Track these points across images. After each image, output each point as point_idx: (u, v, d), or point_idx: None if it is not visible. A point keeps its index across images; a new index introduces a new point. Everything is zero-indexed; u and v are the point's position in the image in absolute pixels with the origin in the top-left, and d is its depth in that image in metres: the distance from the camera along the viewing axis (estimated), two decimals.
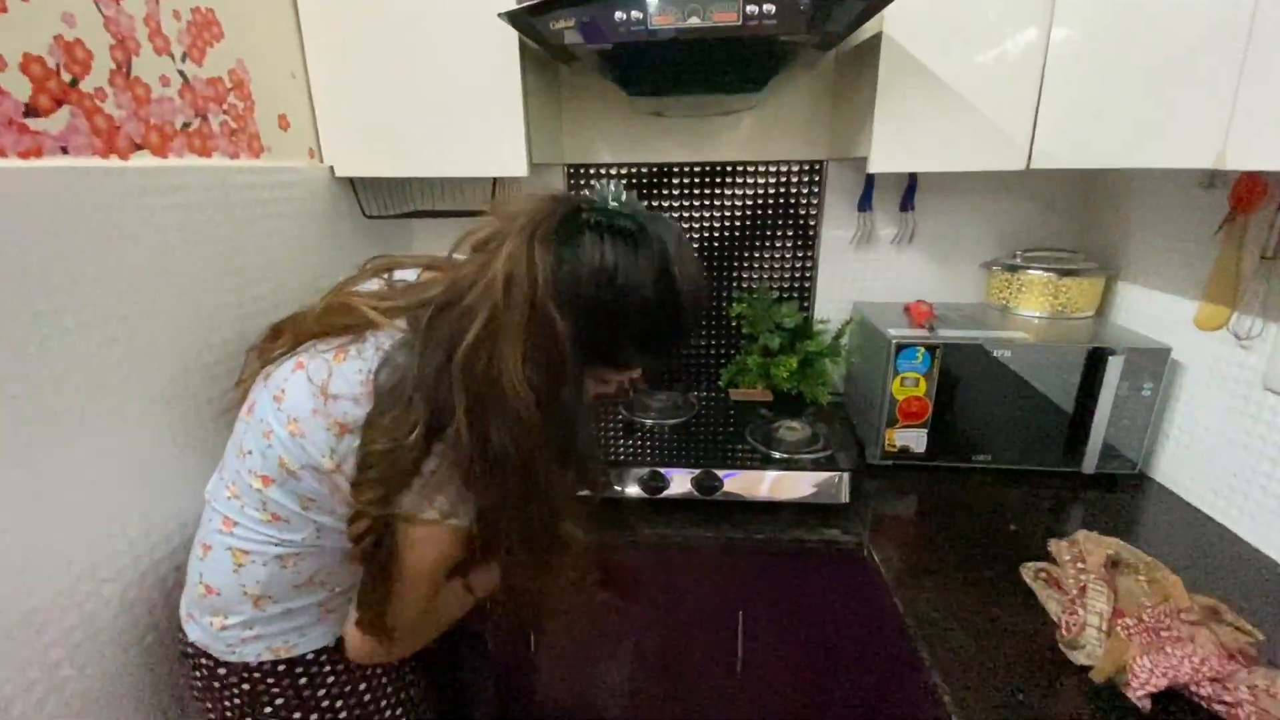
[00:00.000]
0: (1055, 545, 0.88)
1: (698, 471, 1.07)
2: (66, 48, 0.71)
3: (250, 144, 1.01)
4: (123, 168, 0.77)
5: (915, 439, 1.19)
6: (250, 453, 0.69)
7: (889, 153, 1.09)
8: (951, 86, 1.05)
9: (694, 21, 0.92)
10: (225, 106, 0.96)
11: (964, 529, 1.02)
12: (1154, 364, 1.08)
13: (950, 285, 1.45)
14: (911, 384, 1.15)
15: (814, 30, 0.94)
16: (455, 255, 0.70)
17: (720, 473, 1.07)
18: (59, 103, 0.70)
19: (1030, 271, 1.27)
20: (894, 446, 1.19)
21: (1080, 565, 0.81)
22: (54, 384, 0.68)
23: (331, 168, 1.19)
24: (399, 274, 0.76)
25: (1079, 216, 1.38)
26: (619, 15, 0.93)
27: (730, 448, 1.17)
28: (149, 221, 0.79)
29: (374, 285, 0.75)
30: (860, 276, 1.47)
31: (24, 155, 0.67)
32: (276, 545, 0.69)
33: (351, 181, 1.25)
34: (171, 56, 0.85)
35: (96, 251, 0.72)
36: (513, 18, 0.96)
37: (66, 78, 0.71)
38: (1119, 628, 0.72)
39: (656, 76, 1.17)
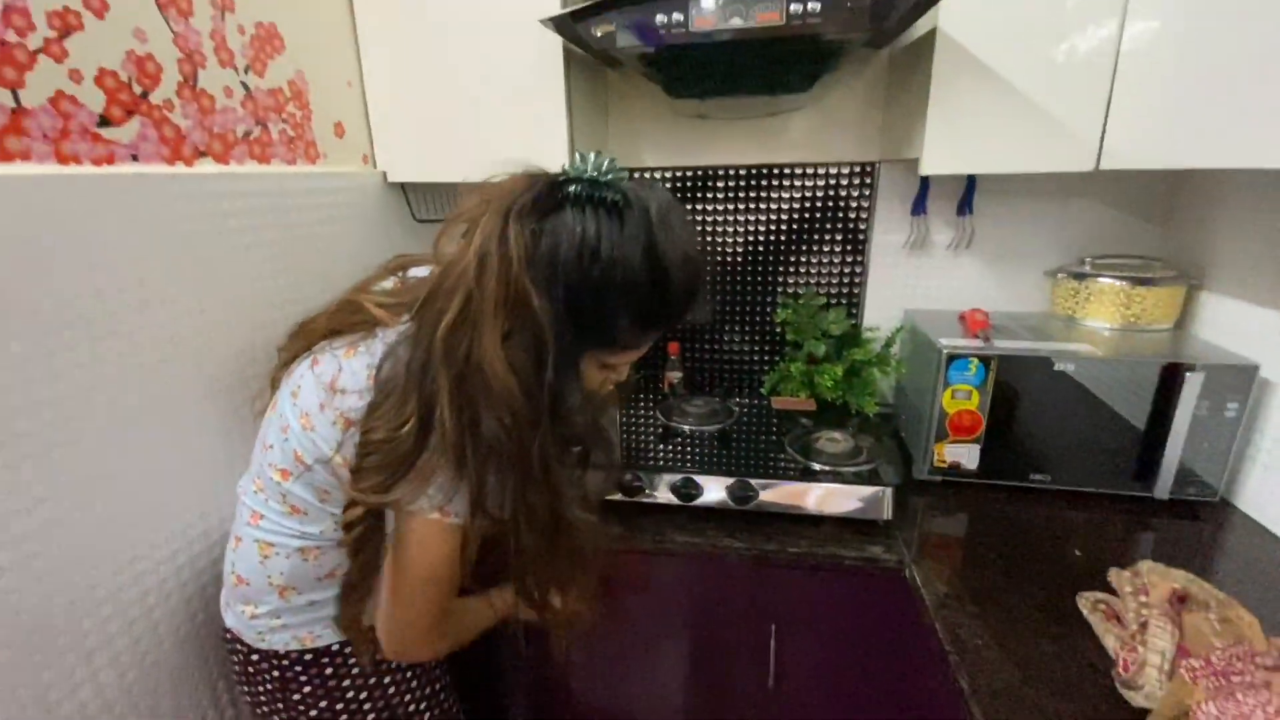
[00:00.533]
0: (1116, 575, 0.82)
1: (732, 481, 1.05)
2: (138, 62, 0.76)
3: (307, 151, 1.06)
4: (187, 174, 0.83)
5: (967, 455, 1.13)
6: (271, 447, 0.72)
7: (942, 154, 1.04)
8: (1011, 83, 0.99)
9: (736, 22, 0.91)
10: (284, 115, 1.01)
11: (1016, 553, 0.95)
12: (1240, 381, 0.98)
13: (1012, 294, 1.37)
14: (964, 396, 1.10)
15: (862, 29, 0.91)
16: (443, 243, 0.68)
17: (756, 482, 1.05)
18: (130, 113, 0.76)
19: (1100, 280, 1.19)
20: (944, 462, 1.13)
21: (1143, 599, 0.74)
22: (118, 378, 0.72)
23: (384, 173, 1.23)
24: (413, 271, 0.77)
25: (1158, 221, 1.28)
26: (660, 18, 0.92)
27: (768, 457, 1.14)
28: (210, 225, 0.84)
29: (388, 283, 0.76)
30: (914, 283, 1.41)
31: (97, 162, 0.72)
32: (298, 538, 0.72)
33: (402, 186, 1.29)
34: (235, 69, 0.91)
35: (162, 252, 0.77)
36: (555, 23, 0.97)
37: (137, 90, 0.76)
38: (1183, 669, 0.66)
39: (698, 79, 1.16)
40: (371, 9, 1.14)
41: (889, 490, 1.02)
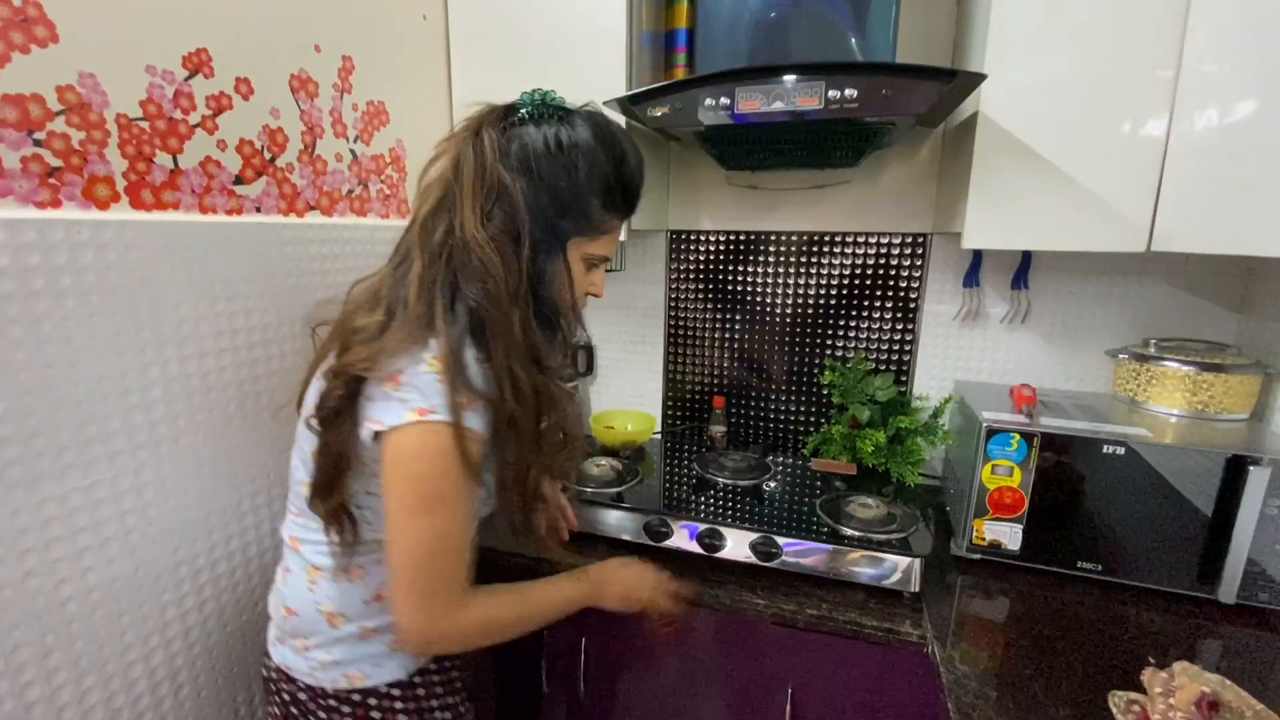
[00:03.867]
0: (1150, 675, 0.76)
1: (757, 536, 1.07)
2: (270, 134, 0.93)
3: (399, 207, 1.22)
4: (297, 223, 0.98)
5: (1008, 534, 1.08)
6: (297, 467, 0.76)
7: (984, 229, 1.06)
8: (1056, 165, 1.00)
9: (778, 106, 0.99)
10: (383, 177, 1.17)
11: (1051, 642, 0.91)
12: None
13: (1072, 372, 1.33)
14: (1004, 472, 1.07)
15: (897, 114, 0.96)
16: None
17: (781, 540, 1.06)
18: (259, 174, 0.92)
19: (1164, 363, 1.13)
20: (983, 539, 1.10)
21: (1171, 701, 0.70)
22: (217, 389, 0.86)
23: None
24: None
25: (1234, 306, 1.21)
26: (708, 102, 1.02)
27: (797, 516, 1.15)
28: (310, 265, 0.99)
29: None
30: (967, 355, 1.39)
31: (229, 213, 0.88)
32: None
33: None
34: (346, 139, 1.08)
35: (269, 287, 0.92)
36: (619, 103, 1.09)
37: (267, 155, 0.93)
38: None
39: (748, 154, 1.25)
40: (466, 90, 1.31)
41: (918, 561, 1.00)
